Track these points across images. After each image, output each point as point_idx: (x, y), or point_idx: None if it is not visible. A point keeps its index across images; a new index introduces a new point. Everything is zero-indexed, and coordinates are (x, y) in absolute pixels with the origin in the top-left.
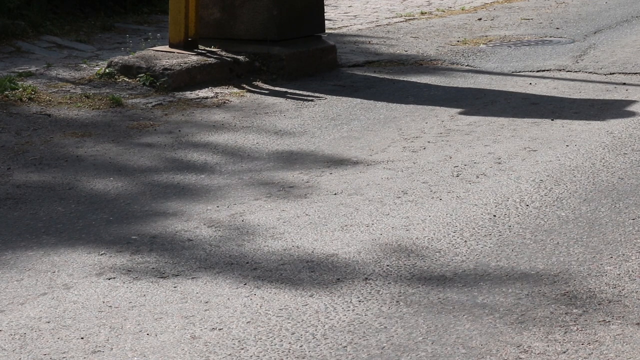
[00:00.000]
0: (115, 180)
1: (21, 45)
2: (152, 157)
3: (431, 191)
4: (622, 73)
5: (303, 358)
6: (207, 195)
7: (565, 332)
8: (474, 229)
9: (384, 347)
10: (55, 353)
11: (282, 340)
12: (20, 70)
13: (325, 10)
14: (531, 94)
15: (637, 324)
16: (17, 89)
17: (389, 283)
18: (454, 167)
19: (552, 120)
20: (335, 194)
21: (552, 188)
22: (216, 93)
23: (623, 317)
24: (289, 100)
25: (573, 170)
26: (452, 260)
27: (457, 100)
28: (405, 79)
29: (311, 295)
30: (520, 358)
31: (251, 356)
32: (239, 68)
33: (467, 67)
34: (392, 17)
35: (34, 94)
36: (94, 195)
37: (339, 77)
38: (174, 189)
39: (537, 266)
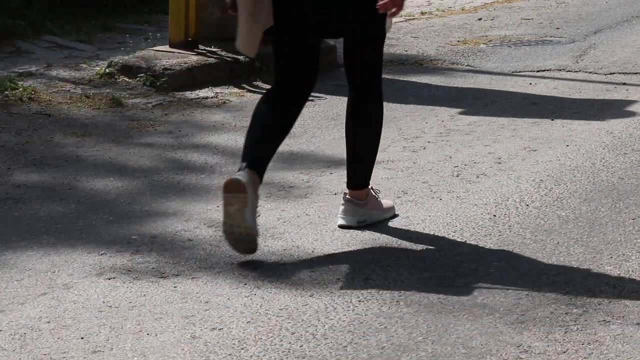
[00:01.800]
0: (115, 180)
1: (21, 45)
2: (152, 157)
3: (431, 191)
4: (622, 73)
5: (303, 358)
6: (207, 195)
7: (565, 332)
8: (474, 229)
9: (384, 347)
10: (55, 353)
11: (282, 340)
12: (21, 70)
13: None
14: (531, 93)
15: (637, 324)
16: (17, 89)
17: (389, 283)
18: (454, 167)
19: (552, 120)
20: (335, 194)
21: (552, 188)
22: (216, 93)
23: (623, 317)
24: None
25: (573, 170)
26: (452, 260)
27: (457, 100)
28: (405, 79)
29: (311, 295)
30: (521, 358)
31: (251, 356)
32: (240, 68)
33: (467, 67)
34: None
35: (34, 94)
36: (94, 195)
37: (339, 77)
38: (174, 189)
39: (537, 266)
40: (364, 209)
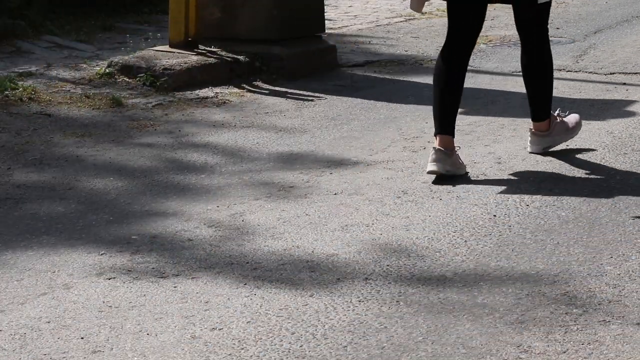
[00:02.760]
0: (115, 180)
1: (21, 45)
2: (152, 157)
3: (431, 191)
4: (622, 73)
5: (303, 358)
6: (207, 195)
7: (566, 332)
8: (474, 229)
9: (384, 347)
10: (55, 353)
11: (282, 340)
12: (21, 70)
13: (325, 10)
14: None
15: (637, 324)
16: (17, 89)
17: (389, 283)
18: None
19: None
20: (335, 193)
21: (552, 188)
22: (216, 93)
23: (623, 317)
24: (289, 100)
25: (573, 170)
26: (452, 260)
27: None
28: (405, 79)
29: (311, 295)
30: (520, 358)
31: (251, 356)
32: (239, 68)
33: None
34: (392, 17)
35: (34, 94)
36: (94, 195)
37: (339, 77)
38: (174, 189)
39: (537, 266)
40: (548, 138)
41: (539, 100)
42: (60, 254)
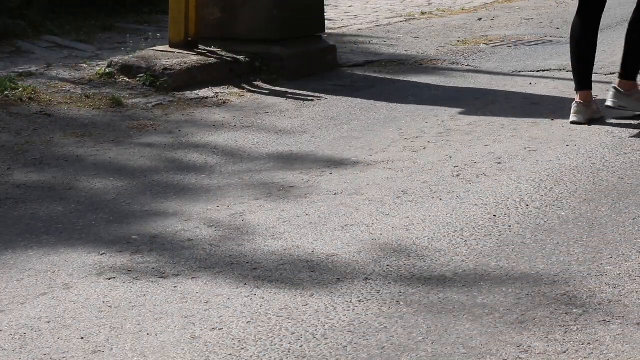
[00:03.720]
0: (115, 180)
1: (21, 45)
2: (152, 157)
3: (431, 191)
4: None
5: (303, 358)
6: (207, 195)
7: (566, 332)
8: (474, 229)
9: (384, 347)
10: (55, 353)
11: (282, 340)
12: (21, 70)
13: (325, 10)
14: (531, 93)
15: (637, 324)
16: (17, 89)
17: (389, 283)
18: (454, 167)
19: (552, 120)
20: (335, 193)
21: (552, 188)
22: (216, 93)
23: (623, 317)
24: (289, 100)
25: (573, 170)
26: (452, 260)
27: (457, 100)
28: (405, 79)
29: (311, 295)
30: (520, 358)
31: (251, 356)
32: (239, 68)
33: (467, 67)
34: (392, 17)
35: (34, 94)
36: (94, 195)
37: (339, 77)
38: (174, 189)
39: (537, 266)
40: (627, 99)
41: (629, 58)
42: (60, 254)
